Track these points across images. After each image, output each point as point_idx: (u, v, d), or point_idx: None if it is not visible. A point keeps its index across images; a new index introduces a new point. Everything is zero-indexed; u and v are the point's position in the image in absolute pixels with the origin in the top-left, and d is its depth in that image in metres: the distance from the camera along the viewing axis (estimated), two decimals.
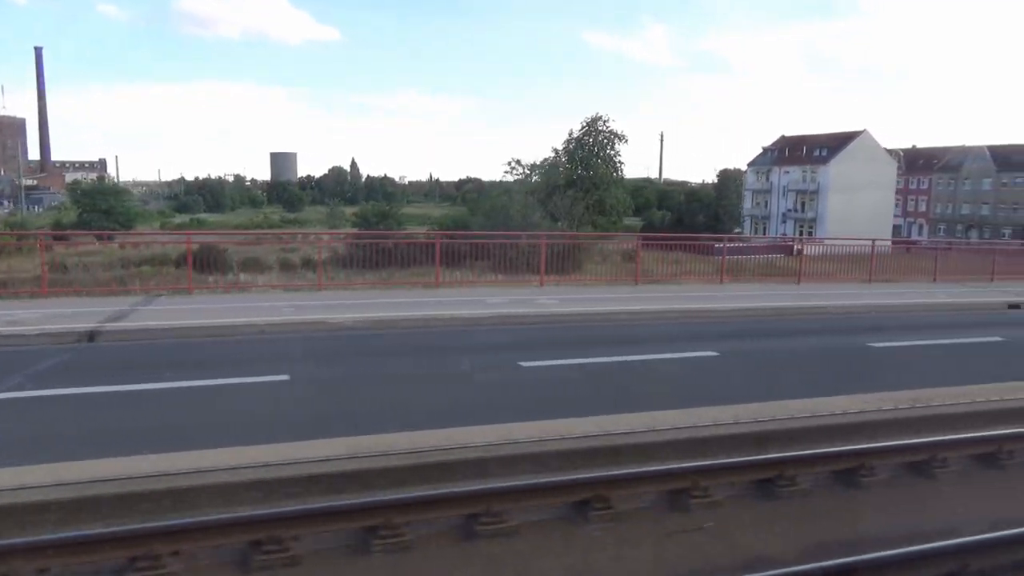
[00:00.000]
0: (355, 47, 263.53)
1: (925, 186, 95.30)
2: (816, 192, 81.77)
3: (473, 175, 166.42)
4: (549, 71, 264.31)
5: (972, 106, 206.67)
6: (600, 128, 57.94)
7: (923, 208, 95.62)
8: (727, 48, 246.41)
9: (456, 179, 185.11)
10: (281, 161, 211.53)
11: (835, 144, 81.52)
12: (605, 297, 17.28)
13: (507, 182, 56.11)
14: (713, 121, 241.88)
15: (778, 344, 13.33)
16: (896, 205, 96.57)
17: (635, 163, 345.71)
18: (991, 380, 9.26)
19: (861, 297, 18.65)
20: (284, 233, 58.29)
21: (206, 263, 19.37)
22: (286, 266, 27.95)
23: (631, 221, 77.65)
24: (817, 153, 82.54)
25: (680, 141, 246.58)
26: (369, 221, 69.08)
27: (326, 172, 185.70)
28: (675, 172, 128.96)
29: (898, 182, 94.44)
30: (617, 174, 58.66)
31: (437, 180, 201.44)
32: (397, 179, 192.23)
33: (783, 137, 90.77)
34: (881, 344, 13.03)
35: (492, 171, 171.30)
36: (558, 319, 14.57)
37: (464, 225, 52.27)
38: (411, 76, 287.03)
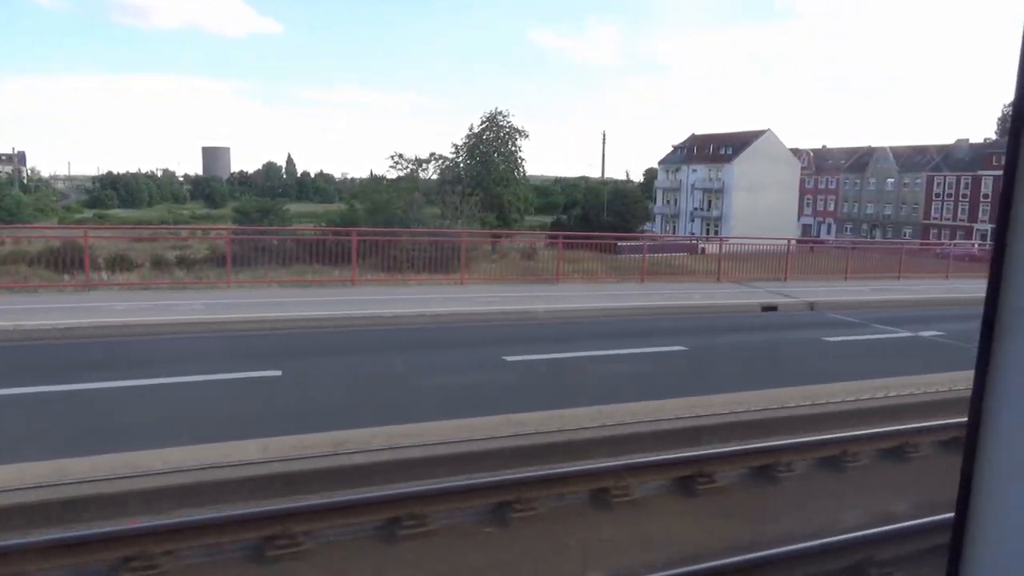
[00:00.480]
0: (298, 40, 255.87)
1: (834, 186, 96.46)
2: (721, 190, 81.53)
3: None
4: (496, 69, 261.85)
5: (885, 108, 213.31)
6: (501, 123, 55.98)
7: (832, 208, 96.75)
8: (669, 49, 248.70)
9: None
10: (213, 156, 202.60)
11: (740, 143, 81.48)
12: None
13: (391, 178, 53.40)
14: (654, 120, 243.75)
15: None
16: (807, 204, 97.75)
17: (580, 161, 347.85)
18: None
19: (589, 301, 16.48)
20: (162, 228, 54.63)
21: (64, 261, 17.08)
22: (159, 264, 25.54)
23: (538, 220, 76.15)
24: (723, 152, 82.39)
25: (622, 140, 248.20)
26: (250, 217, 65.62)
27: (259, 168, 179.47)
28: (617, 171, 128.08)
29: (808, 182, 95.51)
30: (519, 171, 56.80)
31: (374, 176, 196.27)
32: (338, 176, 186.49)
33: (693, 135, 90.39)
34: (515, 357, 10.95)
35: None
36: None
37: (352, 222, 49.46)
38: (355, 71, 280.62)
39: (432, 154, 54.36)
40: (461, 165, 55.05)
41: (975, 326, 0.85)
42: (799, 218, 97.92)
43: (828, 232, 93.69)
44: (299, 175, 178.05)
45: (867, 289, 20.56)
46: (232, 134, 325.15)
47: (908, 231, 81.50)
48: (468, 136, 56.02)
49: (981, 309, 0.84)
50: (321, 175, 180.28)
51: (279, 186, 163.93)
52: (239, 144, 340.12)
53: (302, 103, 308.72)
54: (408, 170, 51.91)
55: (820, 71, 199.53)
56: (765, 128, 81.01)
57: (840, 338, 13.69)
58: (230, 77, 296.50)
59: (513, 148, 55.81)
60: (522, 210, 55.88)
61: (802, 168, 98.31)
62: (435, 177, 53.90)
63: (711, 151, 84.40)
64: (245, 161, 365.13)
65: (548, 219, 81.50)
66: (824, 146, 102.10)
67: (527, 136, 55.85)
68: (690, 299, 17.02)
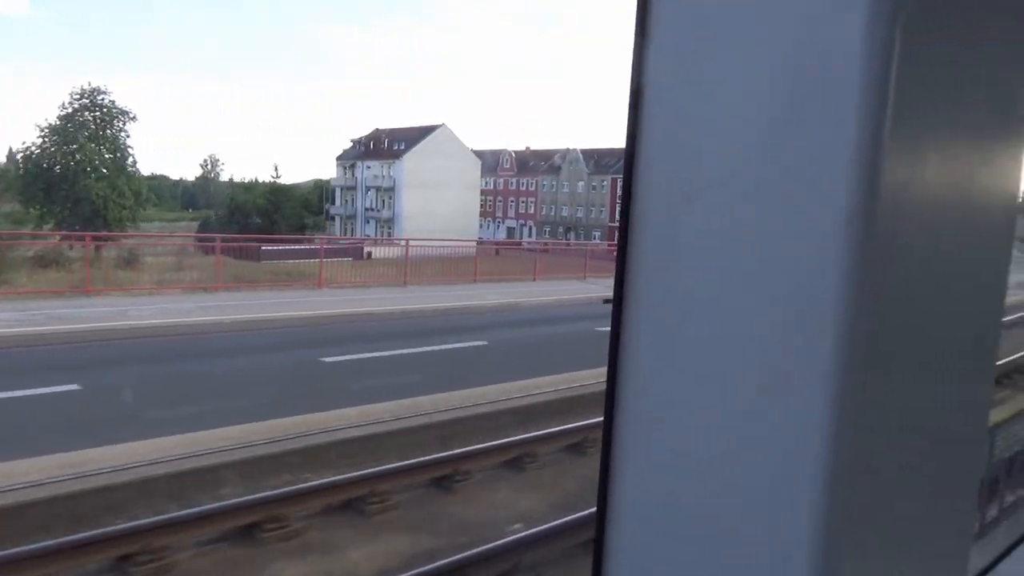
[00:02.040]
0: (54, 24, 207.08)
1: (534, 188, 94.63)
2: (393, 188, 75.15)
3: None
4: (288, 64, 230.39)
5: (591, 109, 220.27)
6: (100, 103, 44.37)
7: (533, 210, 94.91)
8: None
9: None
10: None
11: (414, 138, 75.53)
12: None
13: None
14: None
15: None
16: (511, 207, 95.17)
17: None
18: None
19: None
20: None
21: None
22: None
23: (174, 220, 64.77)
24: (396, 147, 75.75)
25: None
26: None
27: None
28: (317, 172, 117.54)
29: (512, 184, 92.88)
30: (129, 160, 45.54)
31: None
32: None
33: (376, 130, 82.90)
34: None
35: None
36: None
37: None
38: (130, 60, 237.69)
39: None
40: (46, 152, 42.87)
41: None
42: (503, 220, 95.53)
43: (530, 234, 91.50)
44: None
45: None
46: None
47: (597, 233, 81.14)
48: (59, 118, 43.86)
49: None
50: None
51: None
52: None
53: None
54: None
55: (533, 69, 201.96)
56: (439, 123, 76.10)
57: None
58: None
59: (117, 132, 44.51)
60: (130, 207, 44.48)
61: (505, 169, 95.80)
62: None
63: (386, 146, 77.47)
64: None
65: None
66: (528, 147, 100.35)
67: (134, 119, 44.79)
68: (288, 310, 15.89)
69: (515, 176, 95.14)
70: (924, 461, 0.81)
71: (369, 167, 77.15)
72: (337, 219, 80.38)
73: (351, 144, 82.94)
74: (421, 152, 72.18)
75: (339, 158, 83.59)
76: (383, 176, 75.33)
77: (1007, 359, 11.45)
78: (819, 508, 0.63)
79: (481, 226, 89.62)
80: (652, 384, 0.74)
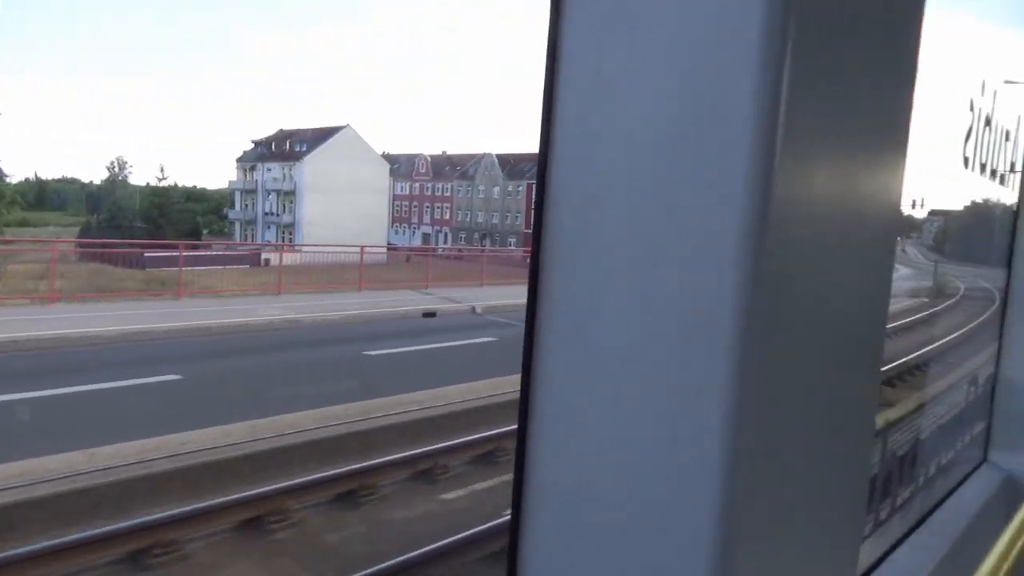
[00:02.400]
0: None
1: (449, 193, 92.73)
2: (294, 192, 71.73)
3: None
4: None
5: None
6: None
7: (448, 216, 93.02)
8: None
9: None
10: None
11: (316, 139, 72.30)
12: None
13: None
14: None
15: None
16: (426, 212, 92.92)
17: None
18: None
19: None
20: None
21: None
22: None
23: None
24: (298, 148, 72.41)
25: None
26: None
27: None
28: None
29: (428, 189, 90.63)
30: None
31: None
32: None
33: (281, 130, 79.10)
34: None
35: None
36: None
37: None
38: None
39: None
40: None
41: None
42: (419, 226, 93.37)
43: (446, 240, 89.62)
44: None
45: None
46: None
47: (513, 239, 79.93)
48: None
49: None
50: None
51: None
52: None
53: None
54: None
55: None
56: (343, 124, 72.95)
57: None
58: None
59: None
60: None
61: (420, 174, 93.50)
62: None
63: (288, 147, 73.88)
64: None
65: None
66: (444, 152, 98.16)
67: None
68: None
69: (431, 181, 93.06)
70: (816, 461, 0.84)
71: (270, 169, 73.47)
72: (237, 224, 76.30)
73: (252, 145, 78.89)
74: (324, 154, 68.99)
75: (239, 160, 79.37)
76: (284, 179, 71.79)
77: (901, 360, 10.63)
78: (717, 507, 0.65)
79: (396, 232, 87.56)
80: (562, 389, 0.75)
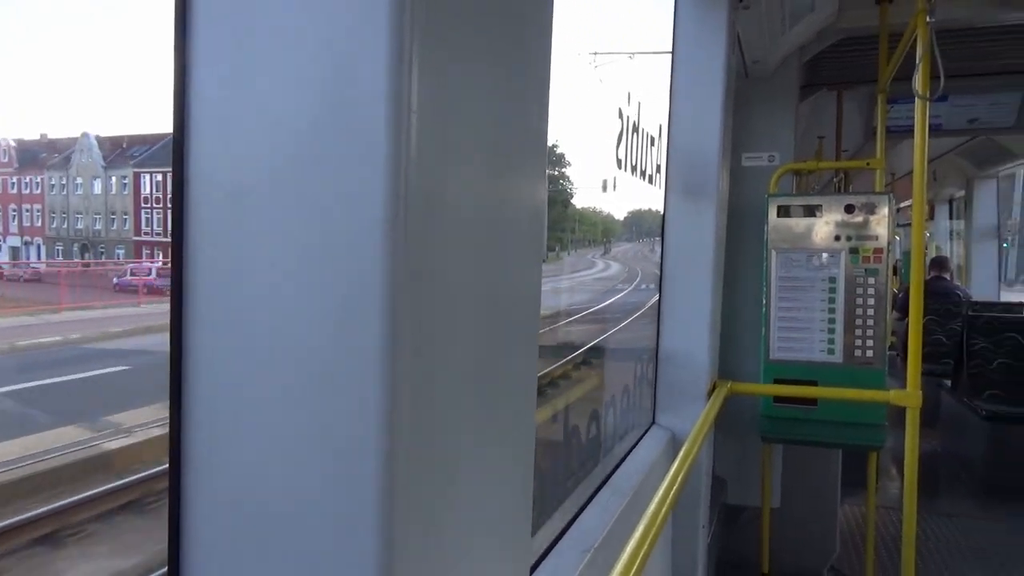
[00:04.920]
0: None
1: (40, 190, 76.97)
2: None
3: None
4: None
5: None
6: None
7: (41, 223, 78.52)
8: None
9: None
10: None
11: None
12: None
13: None
14: None
15: None
16: (12, 218, 77.14)
17: None
18: None
19: None
20: None
21: None
22: None
23: None
24: None
25: None
26: None
27: None
28: None
29: (12, 185, 74.53)
30: None
31: None
32: None
33: None
34: None
35: None
36: None
37: None
38: None
39: None
40: None
41: None
42: (4, 238, 77.91)
43: (39, 256, 75.31)
44: None
45: None
46: None
47: (121, 251, 62.24)
48: None
49: None
50: None
51: None
52: None
53: None
54: None
55: None
56: None
57: None
58: None
59: None
60: None
61: (1, 164, 76.86)
62: None
63: None
64: None
65: None
66: (44, 135, 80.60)
67: None
68: None
69: (16, 174, 76.49)
70: (478, 447, 0.84)
71: None
72: None
73: None
74: None
75: None
76: None
77: (578, 351, 12.30)
78: (379, 496, 0.66)
79: None
80: (216, 384, 0.73)
